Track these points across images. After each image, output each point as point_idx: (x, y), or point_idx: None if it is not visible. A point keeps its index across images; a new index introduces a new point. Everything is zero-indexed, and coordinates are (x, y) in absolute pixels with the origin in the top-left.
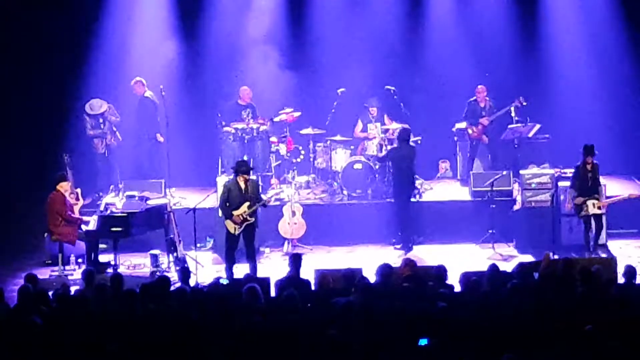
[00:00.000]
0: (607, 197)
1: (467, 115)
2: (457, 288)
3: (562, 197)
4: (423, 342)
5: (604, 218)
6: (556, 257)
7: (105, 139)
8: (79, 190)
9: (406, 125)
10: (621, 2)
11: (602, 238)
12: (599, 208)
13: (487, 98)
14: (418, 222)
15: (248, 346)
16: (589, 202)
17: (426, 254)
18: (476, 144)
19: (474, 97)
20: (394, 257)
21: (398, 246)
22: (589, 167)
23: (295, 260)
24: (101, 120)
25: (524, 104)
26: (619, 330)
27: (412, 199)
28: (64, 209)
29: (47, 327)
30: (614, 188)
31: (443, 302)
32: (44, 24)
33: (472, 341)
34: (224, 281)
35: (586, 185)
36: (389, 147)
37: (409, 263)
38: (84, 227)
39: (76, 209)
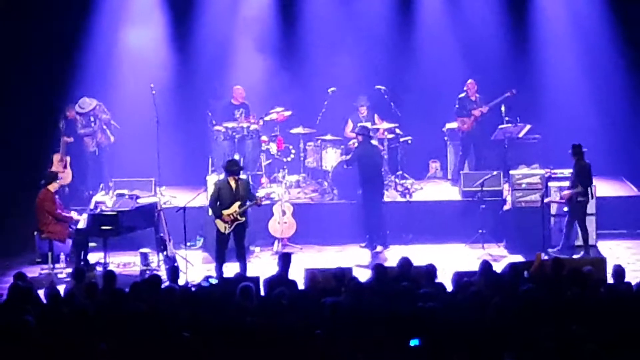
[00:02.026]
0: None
1: (458, 111)
2: (449, 287)
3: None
4: (414, 342)
5: (590, 219)
6: (546, 257)
7: (96, 138)
8: (68, 159)
9: (367, 124)
10: (611, 3)
11: (592, 239)
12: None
13: (477, 94)
14: (386, 221)
15: (238, 345)
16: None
17: (416, 254)
18: (468, 142)
19: (464, 93)
20: (382, 256)
21: (362, 244)
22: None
23: (284, 260)
24: (92, 119)
25: (514, 92)
26: (607, 331)
27: (387, 199)
28: (54, 207)
29: (36, 325)
30: (604, 188)
31: (434, 301)
32: (33, 23)
33: (463, 341)
34: (213, 280)
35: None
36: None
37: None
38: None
39: (64, 177)
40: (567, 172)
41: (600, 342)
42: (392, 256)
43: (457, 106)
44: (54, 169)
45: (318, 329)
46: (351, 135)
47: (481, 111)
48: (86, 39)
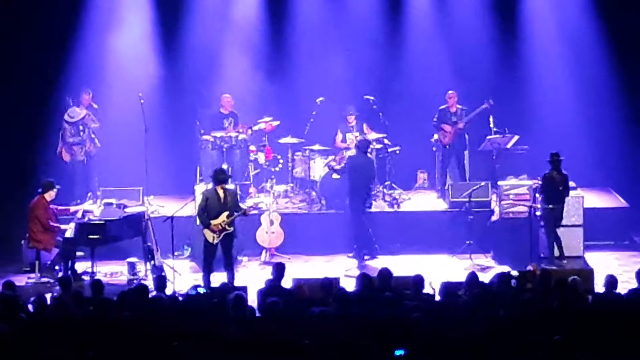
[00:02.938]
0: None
1: (438, 122)
2: (436, 298)
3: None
4: (399, 352)
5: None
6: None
7: (85, 147)
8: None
9: (370, 136)
10: (600, 14)
11: (580, 249)
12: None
13: (459, 105)
14: (374, 232)
15: (225, 354)
16: None
17: (403, 264)
18: (449, 153)
19: (445, 105)
20: (370, 266)
21: (350, 254)
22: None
23: (278, 269)
24: (81, 128)
25: (491, 102)
26: (594, 341)
27: (375, 209)
28: (46, 216)
29: (23, 334)
30: (592, 200)
31: (421, 312)
32: (24, 24)
33: (449, 351)
34: (202, 290)
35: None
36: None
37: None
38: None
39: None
40: None
41: (590, 350)
42: (379, 266)
43: (435, 118)
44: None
45: (305, 338)
46: (342, 145)
47: (457, 128)
48: (73, 46)
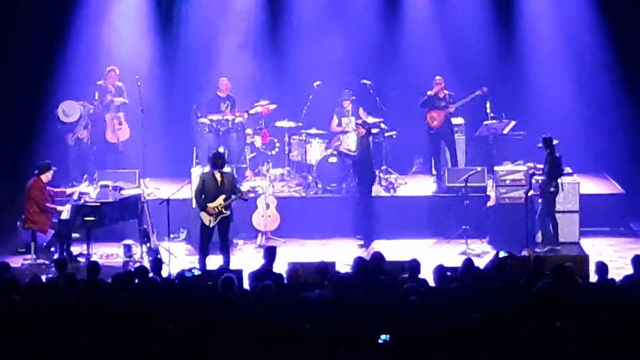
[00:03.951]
0: None
1: (423, 106)
2: (430, 282)
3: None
4: (384, 337)
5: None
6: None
7: (76, 133)
8: (122, 115)
9: (367, 120)
10: (596, 2)
11: (575, 235)
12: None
13: (446, 91)
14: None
15: (222, 338)
16: None
17: (398, 249)
18: (437, 138)
19: (433, 90)
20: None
21: (360, 241)
22: None
23: (270, 253)
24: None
25: (485, 89)
26: (590, 328)
27: (386, 193)
28: (42, 197)
29: (18, 315)
30: (587, 186)
31: (415, 296)
32: (17, 20)
33: (443, 336)
34: (196, 272)
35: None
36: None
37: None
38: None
39: (122, 133)
40: None
41: (585, 338)
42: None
43: (423, 100)
44: (108, 129)
45: (303, 322)
46: (337, 129)
47: (447, 112)
48: (70, 31)
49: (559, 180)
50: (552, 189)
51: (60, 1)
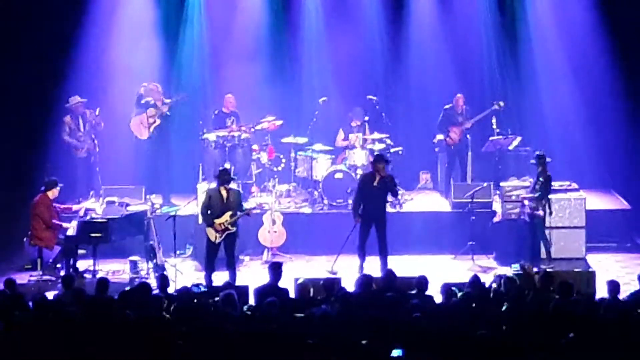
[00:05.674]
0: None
1: (442, 123)
2: (437, 299)
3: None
4: (397, 352)
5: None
6: (535, 269)
7: (86, 143)
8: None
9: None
10: (603, 14)
11: (582, 251)
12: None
13: (464, 106)
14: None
15: (228, 353)
16: None
17: (406, 265)
18: (453, 154)
19: (451, 104)
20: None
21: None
22: None
23: (275, 269)
24: (81, 121)
25: (502, 104)
26: (597, 343)
27: (392, 209)
28: (48, 214)
29: (24, 331)
30: (594, 201)
31: (422, 312)
32: (26, 26)
33: (450, 352)
34: (202, 288)
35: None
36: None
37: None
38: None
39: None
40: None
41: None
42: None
43: (441, 117)
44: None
45: (308, 337)
46: (343, 144)
47: (464, 128)
48: (76, 45)
49: (550, 197)
50: (540, 212)
51: (67, 9)
